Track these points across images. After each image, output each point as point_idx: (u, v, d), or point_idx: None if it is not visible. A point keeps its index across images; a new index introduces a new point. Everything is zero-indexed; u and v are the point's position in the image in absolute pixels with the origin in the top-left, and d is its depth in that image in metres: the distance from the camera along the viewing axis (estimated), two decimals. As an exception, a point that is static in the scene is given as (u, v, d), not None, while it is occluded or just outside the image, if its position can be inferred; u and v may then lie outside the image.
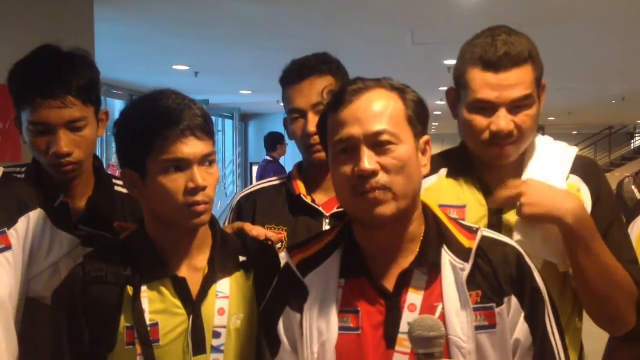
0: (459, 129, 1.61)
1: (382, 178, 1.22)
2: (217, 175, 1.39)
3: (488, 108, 1.49)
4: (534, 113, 1.52)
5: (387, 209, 1.23)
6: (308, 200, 1.79)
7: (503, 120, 1.48)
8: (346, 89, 1.29)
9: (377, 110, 1.25)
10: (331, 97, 1.33)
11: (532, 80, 1.51)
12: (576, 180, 1.56)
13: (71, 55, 1.64)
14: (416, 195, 1.30)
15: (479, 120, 1.51)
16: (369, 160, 1.22)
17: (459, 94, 1.57)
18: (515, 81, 1.48)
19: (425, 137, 1.31)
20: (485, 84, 1.48)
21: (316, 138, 1.57)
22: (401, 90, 1.30)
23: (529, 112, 1.51)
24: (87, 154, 1.67)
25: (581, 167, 1.57)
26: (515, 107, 1.49)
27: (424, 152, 1.31)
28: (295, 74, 1.77)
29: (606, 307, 1.49)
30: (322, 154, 1.47)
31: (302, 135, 1.76)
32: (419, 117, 1.29)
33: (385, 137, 1.23)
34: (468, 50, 1.54)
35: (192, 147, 1.34)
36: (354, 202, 1.26)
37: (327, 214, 1.76)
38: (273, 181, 1.91)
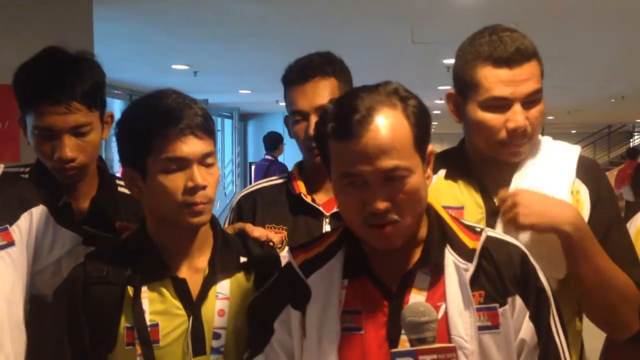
0: (465, 130, 1.59)
1: (394, 213, 1.20)
2: (217, 175, 1.39)
3: (502, 105, 1.48)
4: (542, 109, 1.52)
5: (398, 240, 1.24)
6: (308, 199, 1.79)
7: (520, 116, 1.47)
8: (350, 119, 1.19)
9: (387, 144, 1.19)
10: (333, 120, 1.23)
11: (540, 75, 1.51)
12: (576, 182, 1.55)
13: (76, 59, 1.63)
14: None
15: (494, 119, 1.49)
16: (381, 196, 1.19)
17: (463, 95, 1.55)
18: (528, 75, 1.48)
19: (430, 148, 1.29)
20: (499, 80, 1.47)
21: None
22: (403, 100, 1.24)
23: (539, 108, 1.51)
24: (92, 157, 1.67)
25: (582, 169, 1.56)
26: (527, 102, 1.49)
27: (428, 163, 1.29)
28: (298, 75, 1.76)
29: (608, 315, 1.48)
30: None
31: (304, 138, 1.76)
32: (422, 132, 1.24)
33: (397, 173, 1.20)
34: (471, 50, 1.52)
35: (191, 146, 1.33)
36: (365, 231, 1.24)
37: (327, 214, 1.76)
38: (274, 180, 1.91)
